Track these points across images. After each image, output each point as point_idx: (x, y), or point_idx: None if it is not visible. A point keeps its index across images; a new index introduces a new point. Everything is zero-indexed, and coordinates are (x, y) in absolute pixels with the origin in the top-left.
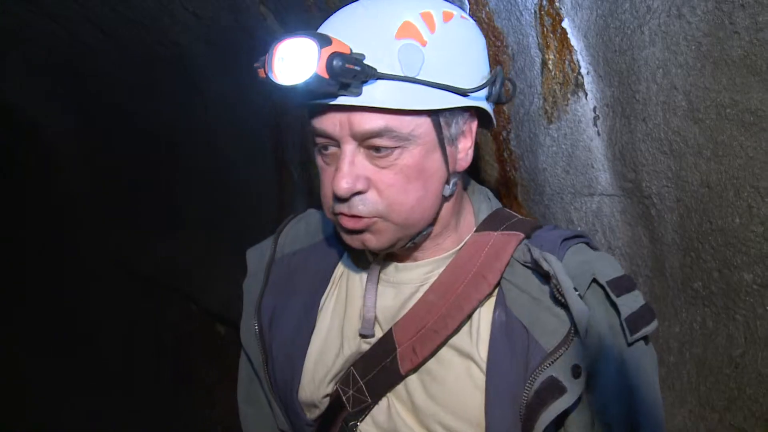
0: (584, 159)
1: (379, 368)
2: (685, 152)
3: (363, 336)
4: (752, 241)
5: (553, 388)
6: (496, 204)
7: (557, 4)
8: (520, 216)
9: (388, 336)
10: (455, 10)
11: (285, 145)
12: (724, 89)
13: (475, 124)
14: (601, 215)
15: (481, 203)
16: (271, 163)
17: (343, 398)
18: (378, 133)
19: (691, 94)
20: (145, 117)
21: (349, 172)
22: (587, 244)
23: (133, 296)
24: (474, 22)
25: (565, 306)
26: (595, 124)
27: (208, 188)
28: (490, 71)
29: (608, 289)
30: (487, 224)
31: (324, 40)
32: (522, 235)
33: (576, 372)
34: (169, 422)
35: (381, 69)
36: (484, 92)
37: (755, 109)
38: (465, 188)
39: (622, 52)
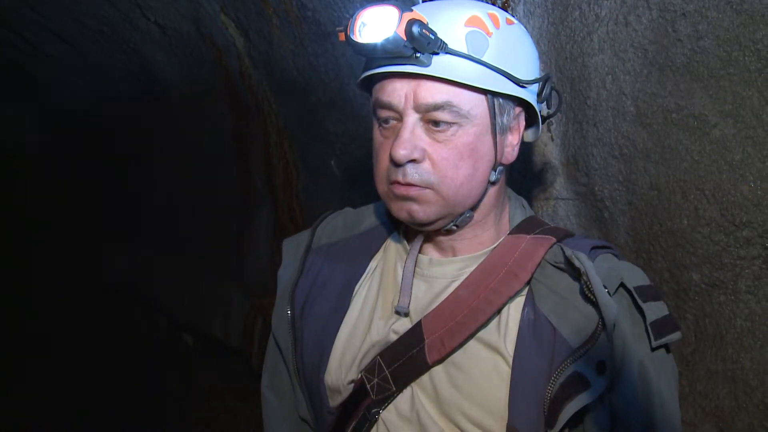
0: (539, 164)
1: (405, 358)
2: (635, 156)
3: (398, 313)
4: (699, 242)
5: (577, 382)
6: (530, 212)
7: (510, 11)
8: (552, 224)
9: (417, 328)
10: (515, 19)
11: (248, 154)
12: (669, 95)
13: (522, 123)
14: (557, 219)
15: (516, 209)
16: (234, 173)
17: (368, 386)
18: (441, 106)
19: (638, 99)
20: (106, 126)
21: (408, 139)
22: (615, 255)
23: (97, 308)
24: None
25: (593, 303)
26: (549, 130)
27: (172, 197)
28: (541, 75)
29: (635, 294)
30: (521, 228)
31: (406, 8)
32: (554, 239)
33: (601, 368)
34: None
35: (451, 45)
36: (535, 90)
37: (698, 113)
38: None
39: (573, 59)
